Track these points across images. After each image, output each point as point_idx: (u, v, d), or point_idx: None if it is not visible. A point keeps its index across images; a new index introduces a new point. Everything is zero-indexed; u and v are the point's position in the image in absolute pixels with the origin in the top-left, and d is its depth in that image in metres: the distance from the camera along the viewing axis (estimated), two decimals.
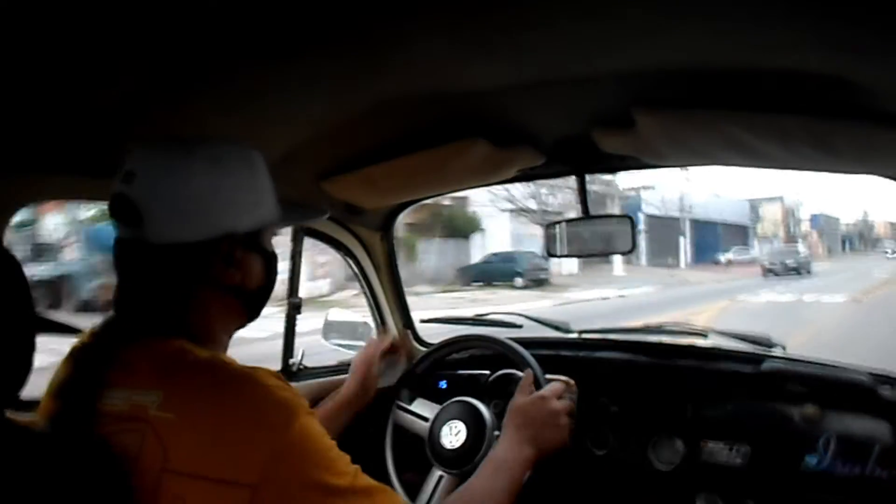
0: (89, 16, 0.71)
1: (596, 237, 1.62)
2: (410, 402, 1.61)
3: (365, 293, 1.99)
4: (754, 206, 46.27)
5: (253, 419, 0.71)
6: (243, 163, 0.82)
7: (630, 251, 1.60)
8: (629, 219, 1.60)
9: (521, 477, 1.07)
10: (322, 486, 0.71)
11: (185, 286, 0.80)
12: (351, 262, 1.94)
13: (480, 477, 1.04)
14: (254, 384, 0.73)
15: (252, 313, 0.89)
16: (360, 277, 1.96)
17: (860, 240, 66.63)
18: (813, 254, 51.47)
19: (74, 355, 0.81)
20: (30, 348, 0.69)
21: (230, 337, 0.87)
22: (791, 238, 50.58)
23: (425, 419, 1.52)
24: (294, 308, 1.77)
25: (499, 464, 1.08)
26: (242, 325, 0.89)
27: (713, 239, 35.43)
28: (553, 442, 1.19)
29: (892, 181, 1.25)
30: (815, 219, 56.76)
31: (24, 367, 0.69)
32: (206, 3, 0.72)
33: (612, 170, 1.62)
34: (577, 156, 1.47)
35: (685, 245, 32.11)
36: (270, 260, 0.88)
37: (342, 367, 1.94)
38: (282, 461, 0.69)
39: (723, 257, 33.59)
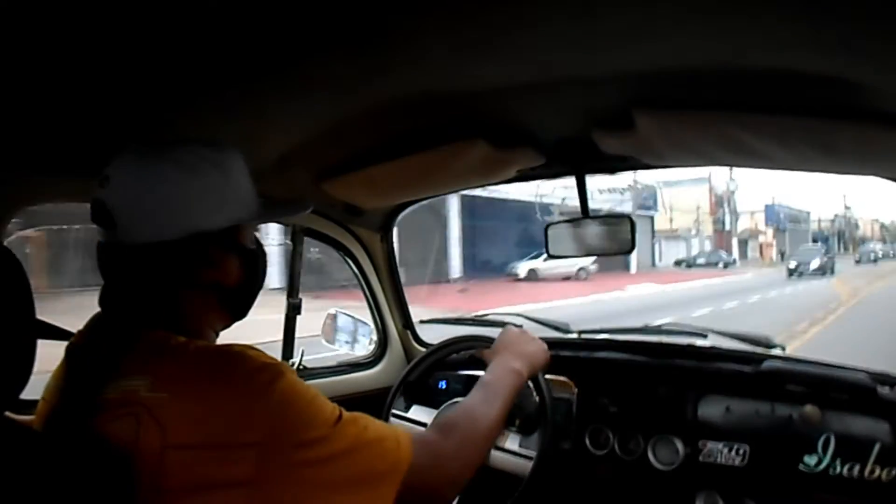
0: (89, 17, 0.71)
1: (595, 237, 1.62)
2: (407, 409, 1.61)
3: (364, 293, 1.99)
4: (650, 190, 30.27)
5: (242, 384, 0.74)
6: (214, 165, 0.84)
7: (630, 251, 1.60)
8: (629, 218, 1.60)
9: (512, 389, 1.08)
10: (312, 439, 0.75)
11: (163, 285, 0.82)
12: (350, 262, 1.94)
13: (471, 396, 1.05)
14: (235, 355, 0.77)
15: (236, 311, 0.92)
16: (360, 278, 1.96)
17: (839, 240, 55.01)
18: (763, 259, 40.37)
19: (68, 358, 0.83)
20: (31, 349, 0.69)
21: (217, 334, 0.90)
22: (723, 235, 38.95)
23: (423, 425, 1.52)
24: (293, 309, 1.77)
25: (487, 382, 1.08)
26: (228, 324, 0.91)
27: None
28: (537, 354, 1.21)
29: (892, 182, 1.25)
30: (769, 211, 44.64)
31: (24, 368, 0.69)
32: (206, 4, 0.72)
33: (612, 170, 1.61)
34: (577, 156, 1.47)
35: (455, 248, 19.34)
36: (249, 258, 0.90)
37: (342, 368, 1.94)
38: (277, 418, 0.73)
39: (520, 268, 20.73)
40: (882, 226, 70.86)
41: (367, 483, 0.78)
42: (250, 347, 0.80)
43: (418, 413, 1.58)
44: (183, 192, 0.81)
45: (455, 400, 1.52)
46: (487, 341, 1.58)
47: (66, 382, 0.79)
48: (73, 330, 0.86)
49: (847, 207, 59.22)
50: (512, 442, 1.43)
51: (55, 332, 0.84)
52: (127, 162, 0.82)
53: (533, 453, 1.41)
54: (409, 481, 0.80)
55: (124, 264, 0.81)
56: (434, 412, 1.52)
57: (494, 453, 1.40)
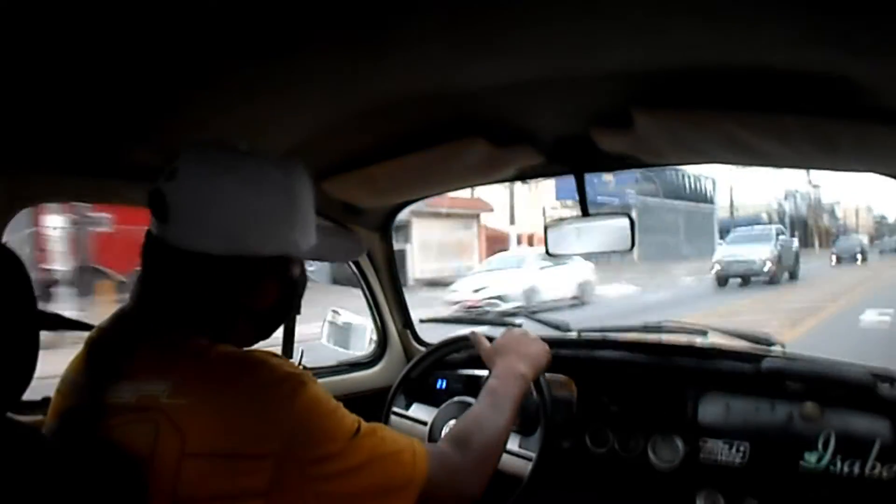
0: (89, 16, 0.71)
1: (595, 235, 1.62)
2: (407, 407, 1.61)
3: (364, 293, 1.99)
4: None
5: (264, 393, 0.74)
6: (279, 188, 0.82)
7: (630, 249, 1.60)
8: (628, 217, 1.60)
9: (519, 394, 1.07)
10: (329, 453, 0.75)
11: (198, 294, 0.80)
12: (350, 262, 1.93)
13: (479, 403, 1.04)
14: (257, 363, 0.77)
15: (261, 333, 0.90)
16: (359, 278, 1.95)
17: (804, 232, 36.07)
18: None
19: (85, 352, 0.82)
20: (33, 349, 0.69)
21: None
22: None
23: (424, 423, 1.51)
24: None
25: (494, 388, 1.06)
26: (250, 343, 0.89)
27: None
28: (539, 355, 1.18)
29: (893, 179, 1.25)
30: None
31: (27, 368, 0.69)
32: (205, 3, 0.72)
33: (611, 168, 1.62)
34: (576, 155, 1.47)
35: None
36: (289, 287, 0.88)
37: (341, 368, 1.94)
38: (296, 430, 0.73)
39: None
40: (881, 219, 56.52)
41: (383, 495, 0.78)
42: (273, 355, 0.79)
43: (419, 411, 1.58)
44: (242, 212, 0.78)
45: (456, 399, 1.52)
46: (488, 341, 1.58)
47: (83, 378, 0.79)
48: None
49: (814, 186, 40.33)
50: (512, 442, 1.43)
51: (68, 324, 0.84)
52: (198, 161, 0.80)
53: (533, 454, 1.41)
54: (426, 495, 0.80)
55: (166, 264, 0.80)
56: (434, 410, 1.52)
57: None
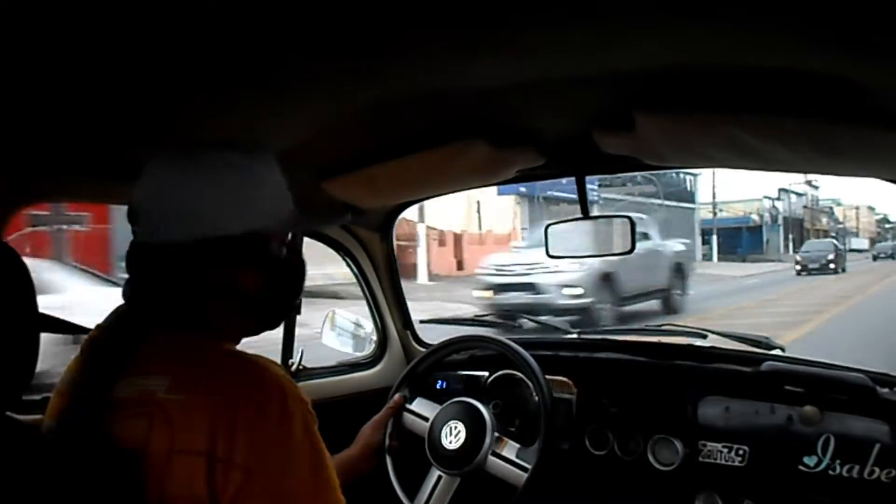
0: (90, 16, 0.71)
1: (595, 237, 1.62)
2: (411, 401, 1.61)
3: (364, 294, 1.99)
4: None
5: (256, 402, 0.74)
6: (239, 171, 0.83)
7: (630, 251, 1.60)
8: (629, 219, 1.60)
9: None
10: (312, 481, 0.75)
11: (182, 287, 0.81)
12: (350, 262, 1.94)
13: None
14: (260, 369, 0.77)
15: (261, 320, 0.90)
16: (359, 278, 1.95)
17: (799, 234, 32.42)
18: None
19: (85, 352, 0.82)
20: (33, 348, 0.69)
21: (237, 341, 0.89)
22: None
23: (425, 419, 1.51)
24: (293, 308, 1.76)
25: None
26: (254, 332, 0.89)
27: None
28: None
29: (894, 185, 1.25)
30: None
31: (27, 367, 0.69)
32: (205, 4, 0.72)
33: (612, 171, 1.62)
34: (577, 157, 1.47)
35: None
36: (272, 266, 0.88)
37: (341, 368, 1.94)
38: (279, 448, 0.73)
39: None
40: (883, 220, 51.85)
41: None
42: (277, 364, 0.80)
43: (422, 406, 1.58)
44: (201, 197, 0.80)
45: (456, 399, 1.52)
46: (490, 342, 1.58)
47: (82, 377, 0.79)
48: None
49: (813, 185, 36.01)
50: (510, 451, 1.43)
51: (65, 326, 0.84)
52: (157, 164, 0.83)
53: (530, 465, 1.39)
54: None
55: (146, 263, 0.82)
56: (437, 407, 1.52)
57: (492, 459, 1.40)
